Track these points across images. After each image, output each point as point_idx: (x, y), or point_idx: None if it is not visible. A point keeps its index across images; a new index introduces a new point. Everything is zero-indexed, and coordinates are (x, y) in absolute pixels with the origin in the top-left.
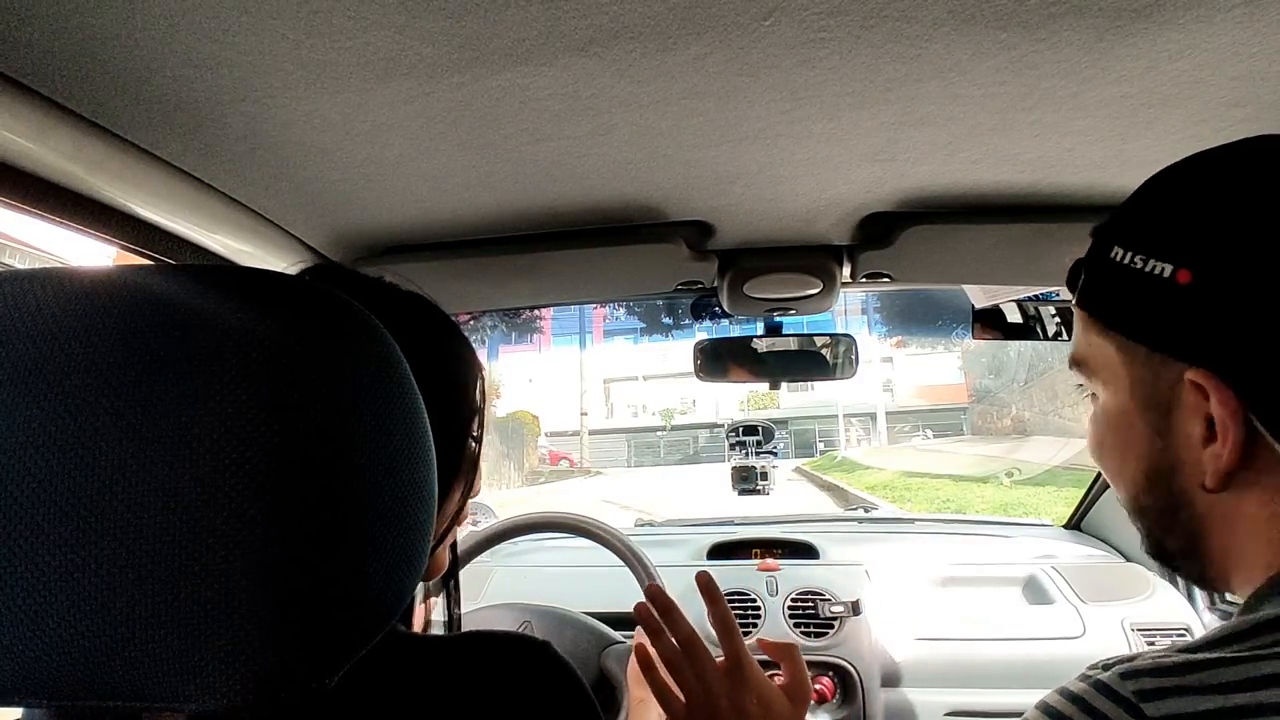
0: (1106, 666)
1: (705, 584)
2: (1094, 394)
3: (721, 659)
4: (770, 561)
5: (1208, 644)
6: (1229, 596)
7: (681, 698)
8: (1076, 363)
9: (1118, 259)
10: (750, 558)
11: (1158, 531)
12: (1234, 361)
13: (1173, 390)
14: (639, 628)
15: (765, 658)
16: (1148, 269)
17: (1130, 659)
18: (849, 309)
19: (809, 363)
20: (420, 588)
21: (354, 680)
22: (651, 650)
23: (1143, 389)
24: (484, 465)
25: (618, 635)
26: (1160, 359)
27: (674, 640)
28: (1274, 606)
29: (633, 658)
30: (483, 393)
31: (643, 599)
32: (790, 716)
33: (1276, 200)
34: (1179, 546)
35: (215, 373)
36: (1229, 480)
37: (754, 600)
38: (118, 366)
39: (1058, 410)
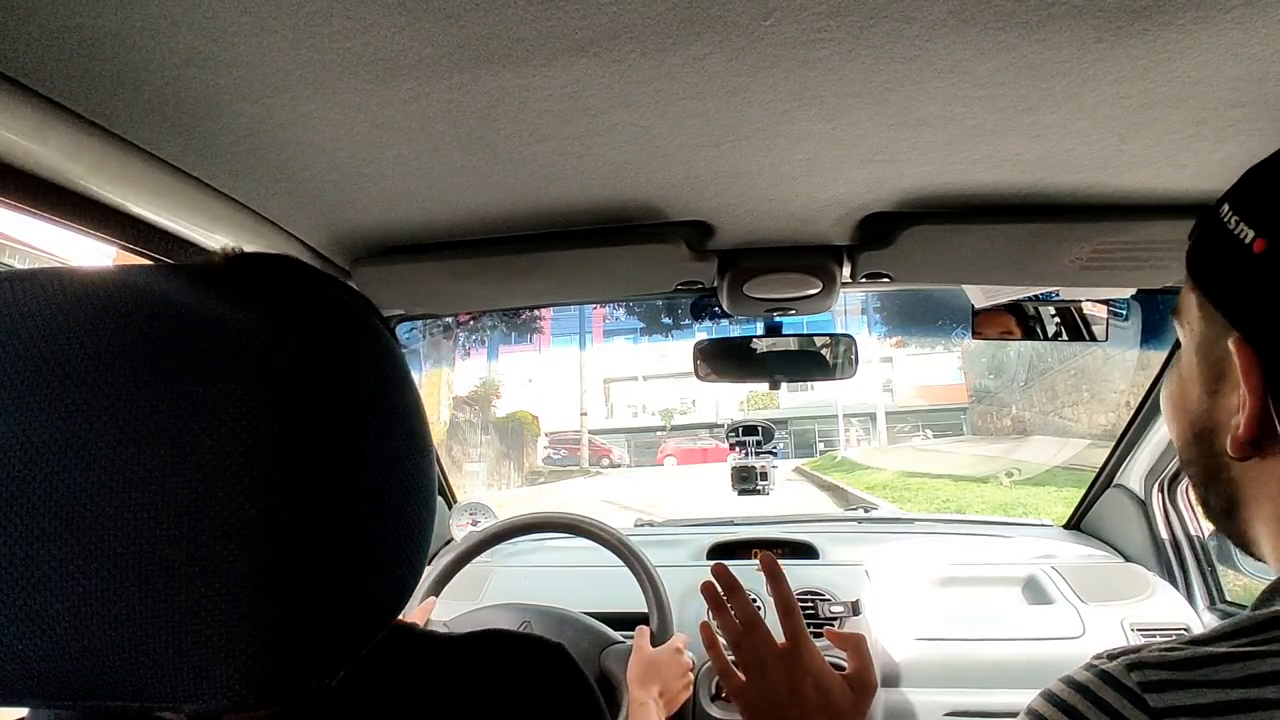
0: (1112, 656)
1: (721, 574)
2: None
3: (782, 641)
4: None
5: (1216, 637)
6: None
7: (741, 676)
8: (1174, 311)
9: (1223, 216)
10: (750, 558)
11: (1202, 487)
12: (1269, 334)
13: (1226, 354)
14: (640, 627)
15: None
16: (1237, 231)
17: (1136, 650)
18: (849, 309)
19: (809, 363)
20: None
21: (365, 677)
22: (714, 626)
23: (1205, 347)
24: (483, 465)
25: (617, 635)
26: (1221, 321)
27: (736, 619)
28: None
29: (633, 657)
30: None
31: (641, 599)
32: (851, 705)
33: None
34: (1220, 506)
35: (215, 372)
36: (1252, 451)
37: (754, 600)
38: (117, 366)
39: (1058, 410)
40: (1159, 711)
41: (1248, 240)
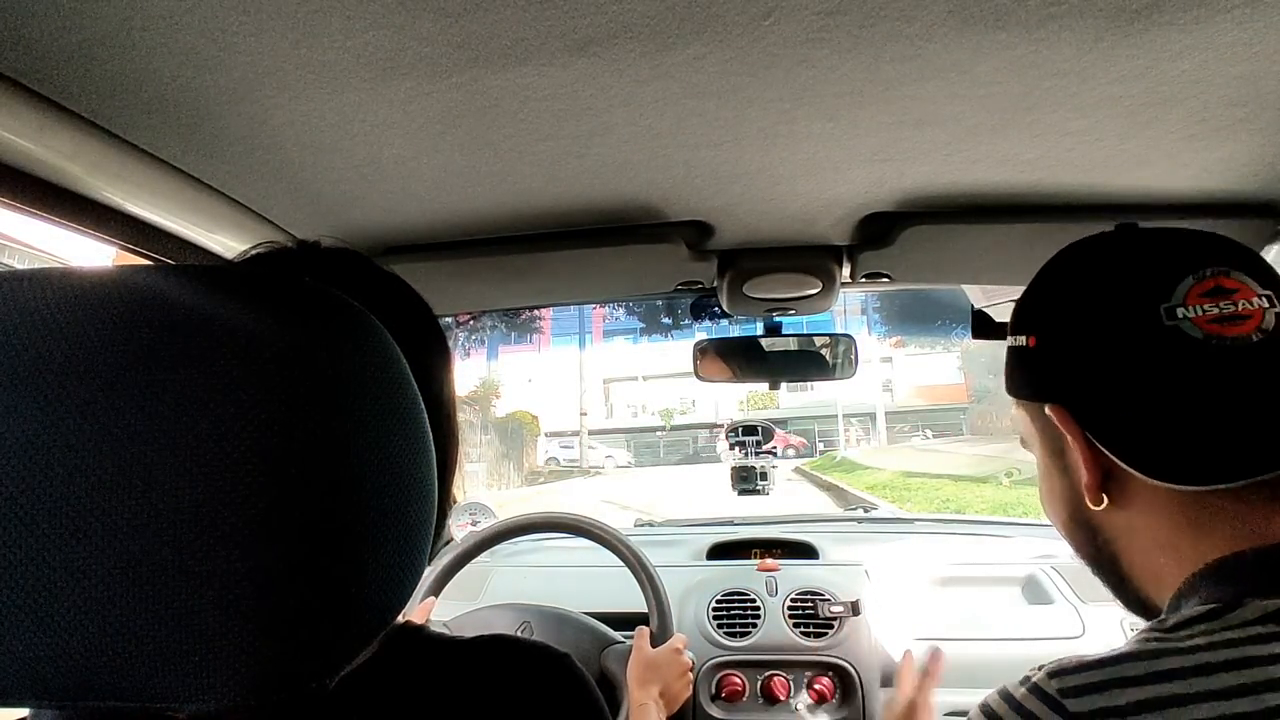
0: (1041, 667)
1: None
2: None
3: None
4: (770, 562)
5: (1132, 642)
6: None
7: None
8: (1022, 442)
9: (1009, 343)
10: (750, 558)
11: (1093, 565)
12: (1069, 395)
13: (1057, 429)
14: (640, 627)
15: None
16: (1016, 342)
17: (1062, 659)
18: (849, 309)
19: (808, 363)
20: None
21: (368, 677)
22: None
23: (1046, 437)
24: (483, 465)
25: (617, 635)
26: (1038, 407)
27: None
28: (1190, 606)
29: (632, 658)
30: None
31: (641, 599)
32: None
33: (1082, 286)
34: (1111, 579)
35: (215, 373)
36: (1103, 496)
37: (754, 600)
38: (117, 367)
39: None
40: (1077, 715)
41: (1023, 343)
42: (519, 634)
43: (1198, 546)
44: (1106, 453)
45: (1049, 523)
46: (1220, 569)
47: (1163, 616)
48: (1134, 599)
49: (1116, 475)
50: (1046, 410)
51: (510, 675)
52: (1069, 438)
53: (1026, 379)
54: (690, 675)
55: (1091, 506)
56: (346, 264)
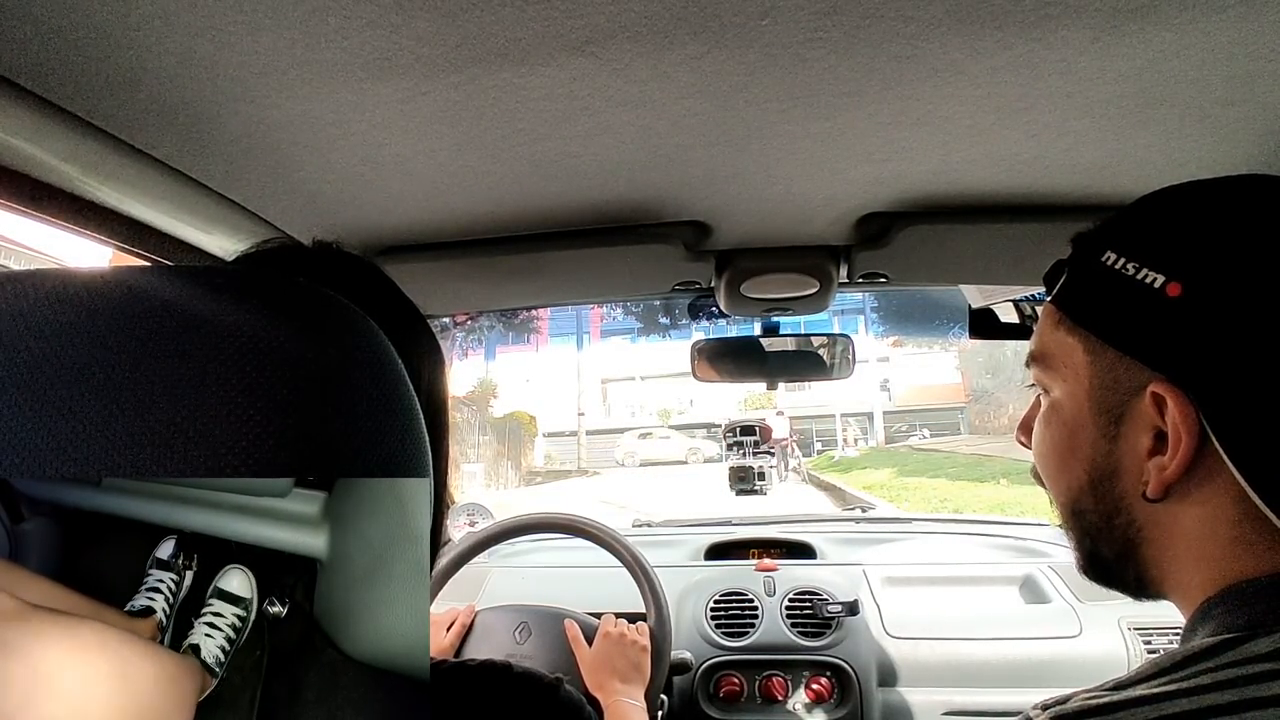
0: (1045, 707)
1: None
2: (1045, 392)
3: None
4: (768, 562)
5: (1138, 680)
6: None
7: None
8: (1037, 358)
9: (1108, 263)
10: (748, 558)
11: (1092, 537)
12: (1203, 376)
13: (1130, 397)
14: (567, 620)
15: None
16: (1139, 276)
17: (1063, 700)
18: (846, 308)
19: (806, 362)
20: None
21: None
22: None
23: (1101, 391)
24: (481, 466)
25: None
26: (1127, 364)
27: None
28: (1203, 636)
29: (581, 669)
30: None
31: (639, 599)
32: None
33: (1271, 234)
34: (1114, 553)
35: (211, 374)
36: (1169, 492)
37: (752, 600)
38: (113, 368)
39: None
40: None
41: (1157, 285)
42: (517, 635)
43: (1233, 564)
44: (1229, 462)
45: (1046, 522)
46: (1237, 593)
47: (1174, 649)
48: (1134, 580)
49: (1197, 478)
50: (1152, 386)
51: (500, 705)
52: (1174, 427)
53: (1137, 329)
54: (639, 640)
55: (1148, 497)
56: (335, 262)
